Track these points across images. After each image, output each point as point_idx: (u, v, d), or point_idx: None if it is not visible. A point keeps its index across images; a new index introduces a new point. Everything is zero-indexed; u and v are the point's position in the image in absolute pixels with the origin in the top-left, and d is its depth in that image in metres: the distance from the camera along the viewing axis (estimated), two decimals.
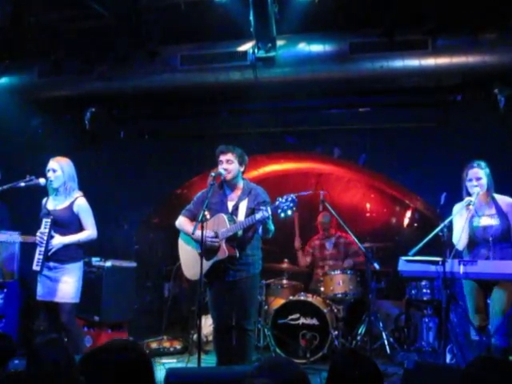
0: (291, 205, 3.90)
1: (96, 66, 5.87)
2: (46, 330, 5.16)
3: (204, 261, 4.02)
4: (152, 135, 6.57)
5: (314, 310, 5.47)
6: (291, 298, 5.73)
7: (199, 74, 5.59)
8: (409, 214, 6.98)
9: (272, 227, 4.16)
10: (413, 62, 5.08)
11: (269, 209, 3.94)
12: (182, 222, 4.43)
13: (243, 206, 4.21)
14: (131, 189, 6.53)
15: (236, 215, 4.20)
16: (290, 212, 3.90)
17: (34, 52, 6.08)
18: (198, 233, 3.99)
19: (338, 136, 6.08)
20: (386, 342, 5.39)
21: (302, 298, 5.65)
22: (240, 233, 4.13)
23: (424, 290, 5.17)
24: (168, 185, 6.66)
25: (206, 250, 4.06)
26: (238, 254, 4.14)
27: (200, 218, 3.98)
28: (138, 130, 6.62)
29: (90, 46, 5.80)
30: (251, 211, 4.15)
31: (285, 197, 3.93)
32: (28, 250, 5.59)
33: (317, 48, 5.27)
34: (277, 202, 3.94)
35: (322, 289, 5.82)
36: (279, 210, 3.91)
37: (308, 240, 6.64)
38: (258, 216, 3.95)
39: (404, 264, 3.99)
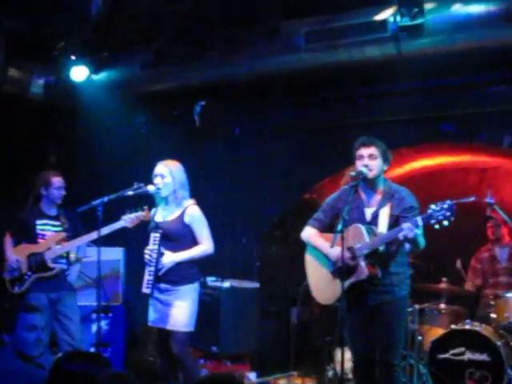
0: (448, 213, 3.77)
1: (205, 52, 6.10)
2: (156, 361, 5.50)
3: (338, 282, 4.02)
4: (273, 130, 6.66)
5: (484, 343, 5.25)
6: (453, 327, 5.55)
7: (328, 52, 5.59)
8: None
9: (422, 241, 4.05)
10: None
11: (418, 219, 3.86)
12: (310, 234, 4.42)
13: (385, 214, 4.11)
14: (250, 195, 6.68)
15: (376, 225, 4.12)
16: (446, 222, 3.76)
17: (135, 41, 6.49)
18: (335, 249, 4.02)
19: (508, 119, 5.82)
20: None
21: (468, 327, 5.45)
22: (381, 248, 4.06)
23: None
24: (294, 189, 6.72)
25: (341, 268, 4.06)
26: (379, 274, 4.11)
27: (339, 228, 3.98)
28: (257, 124, 6.76)
29: (195, 29, 6.03)
30: (395, 220, 4.06)
31: (439, 204, 3.80)
32: (134, 268, 5.99)
33: (477, 9, 5.06)
34: (429, 211, 3.82)
35: (494, 315, 5.58)
36: (432, 221, 3.79)
37: (475, 252, 6.41)
38: (404, 232, 3.86)
39: None
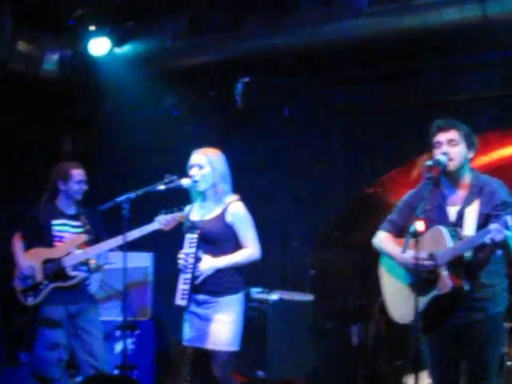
0: None
1: (247, 20, 6.08)
2: None
3: (417, 296, 3.94)
4: (329, 111, 6.63)
5: None
6: None
7: (396, 16, 5.52)
8: None
9: None
10: None
11: (508, 218, 3.73)
12: (383, 240, 4.35)
13: (472, 212, 3.99)
14: (302, 190, 6.67)
15: (461, 227, 4.02)
16: None
17: (166, 8, 6.49)
18: (408, 254, 3.96)
19: None
20: None
21: None
22: (468, 254, 3.97)
23: None
24: (354, 182, 6.63)
25: (417, 279, 3.98)
26: (467, 287, 4.02)
27: (411, 229, 3.89)
28: (310, 105, 6.72)
29: None
30: (485, 220, 3.95)
31: None
32: (165, 276, 6.00)
33: None
34: None
35: None
36: None
37: None
38: (492, 235, 3.77)
39: None
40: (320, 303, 6.29)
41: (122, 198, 4.61)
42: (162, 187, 4.66)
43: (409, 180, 6.06)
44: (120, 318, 5.95)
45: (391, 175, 6.53)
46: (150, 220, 4.82)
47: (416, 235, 3.93)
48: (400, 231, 4.30)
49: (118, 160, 7.40)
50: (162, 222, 4.72)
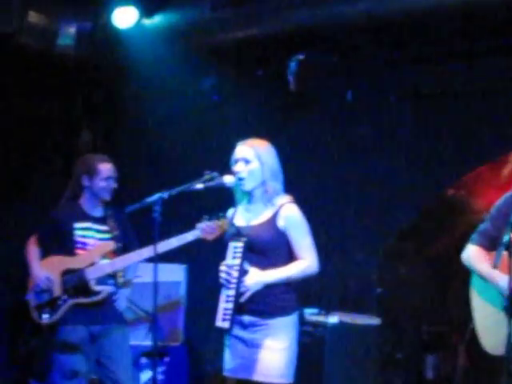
0: None
1: None
2: None
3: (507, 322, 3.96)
4: (401, 95, 6.57)
5: None
6: None
7: None
8: None
9: None
10: None
11: None
12: (474, 256, 4.39)
13: None
14: (367, 190, 6.61)
15: None
16: None
17: None
18: (501, 277, 3.94)
19: None
20: None
21: None
22: None
23: None
24: (432, 182, 6.57)
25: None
26: None
27: (505, 239, 3.87)
28: (378, 87, 6.66)
29: None
30: None
31: None
32: (200, 292, 5.97)
33: None
34: None
35: None
36: None
37: None
38: None
39: None
40: (388, 328, 6.29)
41: (154, 198, 4.55)
42: (200, 186, 4.59)
43: (499, 180, 5.97)
44: (147, 343, 5.93)
45: (477, 173, 6.45)
46: (182, 226, 4.80)
47: (510, 247, 3.92)
48: (494, 244, 4.27)
49: (147, 152, 7.40)
50: (205, 229, 4.70)
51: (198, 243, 4.83)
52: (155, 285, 4.55)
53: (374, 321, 6.14)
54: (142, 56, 6.83)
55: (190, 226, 4.75)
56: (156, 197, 4.56)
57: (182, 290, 6.55)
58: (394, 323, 6.50)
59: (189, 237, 4.78)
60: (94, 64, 7.25)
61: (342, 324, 5.92)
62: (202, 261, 5.82)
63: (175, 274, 6.52)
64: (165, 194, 4.57)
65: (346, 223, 6.72)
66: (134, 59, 6.92)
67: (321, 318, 5.94)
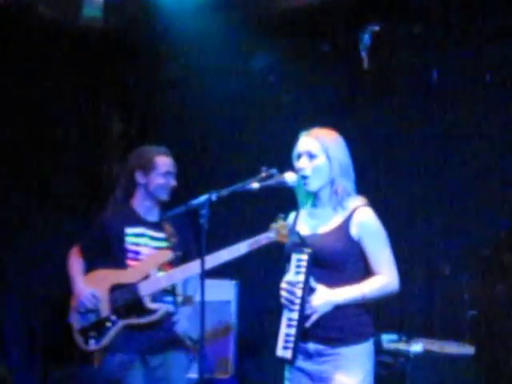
0: None
1: None
2: None
3: None
4: (499, 75, 6.45)
5: None
6: None
7: None
8: None
9: None
10: None
11: None
12: None
13: None
14: (455, 193, 6.58)
15: None
16: None
17: None
18: None
19: None
20: None
21: None
22: None
23: None
24: None
25: None
26: None
27: None
28: (469, 65, 6.59)
29: None
30: None
31: None
32: (253, 313, 5.95)
33: None
34: None
35: None
36: None
37: None
38: None
39: None
40: (484, 357, 6.20)
41: (200, 200, 4.50)
42: (255, 185, 4.54)
43: None
44: (193, 376, 5.91)
45: None
46: (230, 234, 4.85)
47: None
48: None
49: (190, 144, 7.42)
50: (279, 231, 4.69)
51: (248, 255, 4.84)
52: (202, 305, 4.46)
53: (466, 349, 6.08)
54: (182, 29, 6.87)
55: (237, 234, 4.77)
56: (203, 199, 4.49)
57: (234, 311, 6.55)
58: (492, 352, 6.41)
59: (262, 240, 4.77)
60: (125, 40, 7.28)
61: (426, 353, 5.88)
62: (256, 276, 5.77)
63: (224, 291, 6.54)
64: (213, 196, 4.51)
65: (430, 231, 6.71)
66: (172, 33, 6.98)
67: (401, 346, 5.92)
